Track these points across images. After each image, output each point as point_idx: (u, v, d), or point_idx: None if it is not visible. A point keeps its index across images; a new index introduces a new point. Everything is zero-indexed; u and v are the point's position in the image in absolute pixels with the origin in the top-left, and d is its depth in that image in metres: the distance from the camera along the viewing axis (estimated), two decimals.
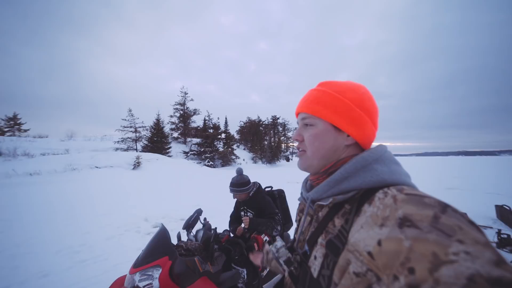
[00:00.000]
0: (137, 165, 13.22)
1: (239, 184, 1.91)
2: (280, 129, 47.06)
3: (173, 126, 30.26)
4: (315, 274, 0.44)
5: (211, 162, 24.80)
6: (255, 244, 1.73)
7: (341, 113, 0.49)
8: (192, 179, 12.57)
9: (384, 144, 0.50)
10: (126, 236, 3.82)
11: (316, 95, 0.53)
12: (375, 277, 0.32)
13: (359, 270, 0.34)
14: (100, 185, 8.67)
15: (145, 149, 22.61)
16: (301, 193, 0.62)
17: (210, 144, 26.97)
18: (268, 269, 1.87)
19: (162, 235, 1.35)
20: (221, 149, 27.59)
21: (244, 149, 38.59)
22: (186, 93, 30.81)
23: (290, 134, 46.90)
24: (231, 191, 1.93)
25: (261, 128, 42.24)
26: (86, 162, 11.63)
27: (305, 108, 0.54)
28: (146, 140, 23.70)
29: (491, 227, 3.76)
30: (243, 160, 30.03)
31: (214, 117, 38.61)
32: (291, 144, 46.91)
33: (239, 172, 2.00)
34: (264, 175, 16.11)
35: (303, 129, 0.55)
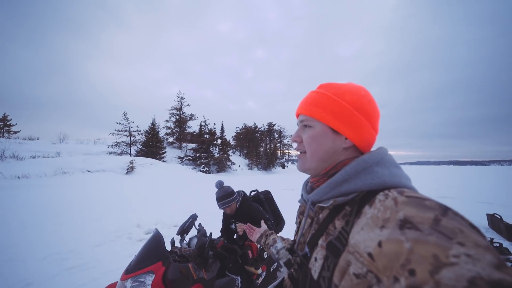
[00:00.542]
0: (130, 169, 12.97)
1: (225, 196, 1.83)
2: (276, 136, 47.30)
3: (169, 131, 30.06)
4: (315, 276, 0.44)
5: (206, 168, 24.57)
6: (250, 252, 1.70)
7: (339, 116, 0.49)
8: (186, 184, 12.39)
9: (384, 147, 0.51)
10: (116, 242, 3.70)
11: (315, 97, 0.53)
12: (375, 279, 0.32)
13: (359, 271, 0.34)
14: (92, 189, 8.44)
15: (140, 153, 22.28)
16: (302, 195, 0.61)
17: (205, 150, 26.82)
18: (263, 277, 1.83)
19: (156, 240, 1.31)
20: (216, 155, 27.43)
21: (240, 155, 38.48)
22: (182, 98, 30.85)
23: (286, 141, 47.14)
24: (221, 206, 1.83)
25: (257, 134, 42.37)
26: (78, 166, 11.34)
27: (304, 110, 0.54)
28: (141, 145, 23.40)
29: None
30: (239, 166, 29.88)
31: (211, 122, 38.70)
32: (286, 151, 47.07)
33: (220, 184, 1.90)
34: (260, 182, 16.02)
35: (302, 130, 0.55)
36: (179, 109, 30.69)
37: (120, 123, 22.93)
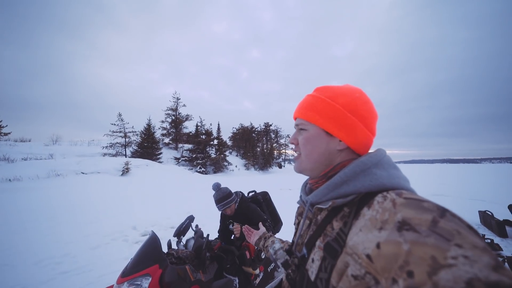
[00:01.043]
0: (126, 171, 12.82)
1: (224, 197, 1.81)
2: (273, 136, 47.39)
3: (165, 131, 29.82)
4: (312, 277, 0.44)
5: (203, 169, 24.45)
6: (247, 252, 1.70)
7: (332, 119, 0.50)
8: (183, 185, 12.31)
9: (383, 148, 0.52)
10: (112, 245, 3.65)
11: (310, 101, 0.55)
12: (374, 280, 0.32)
13: (358, 273, 0.35)
14: (86, 191, 8.32)
15: (135, 154, 22.04)
16: (300, 196, 0.62)
17: (202, 150, 26.68)
18: (261, 277, 1.84)
19: (153, 242, 1.30)
20: (213, 156, 27.32)
21: (237, 155, 38.41)
22: (178, 99, 30.64)
23: (282, 141, 47.26)
24: (220, 208, 1.82)
25: (253, 134, 42.36)
26: (72, 168, 11.15)
27: (300, 114, 0.56)
28: (136, 146, 23.15)
29: None
30: (236, 166, 29.82)
31: (207, 123, 38.45)
32: (283, 151, 47.20)
33: (217, 186, 1.88)
34: (257, 182, 16.02)
35: (298, 133, 0.57)
36: (175, 110, 30.46)
37: (114, 124, 22.64)
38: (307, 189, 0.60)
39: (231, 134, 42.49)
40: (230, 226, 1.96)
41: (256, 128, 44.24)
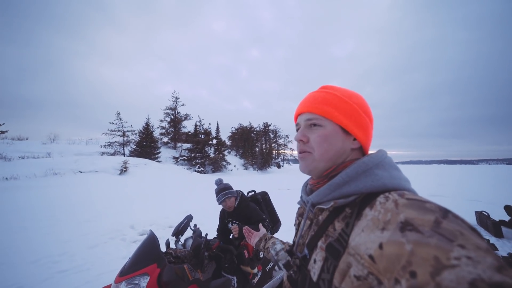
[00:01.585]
0: (124, 170, 12.77)
1: (225, 188, 1.89)
2: (272, 136, 47.39)
3: (163, 130, 29.70)
4: (314, 278, 0.44)
5: (201, 168, 24.41)
6: (245, 252, 1.71)
7: (350, 117, 0.50)
8: (181, 185, 12.29)
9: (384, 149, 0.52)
10: (110, 244, 3.64)
11: (324, 96, 0.52)
12: (376, 281, 0.32)
13: (360, 273, 0.34)
14: (84, 190, 8.27)
15: (133, 153, 21.94)
16: (301, 197, 0.61)
17: (201, 150, 26.62)
18: (259, 276, 1.85)
19: (151, 241, 1.31)
20: (212, 155, 27.28)
21: (236, 155, 38.38)
22: (177, 98, 30.53)
23: (281, 141, 47.29)
24: (221, 197, 1.85)
25: (252, 134, 42.34)
26: (69, 167, 11.09)
27: (313, 109, 0.52)
28: (135, 145, 23.04)
29: None
30: (234, 166, 29.81)
31: (206, 122, 38.37)
32: (282, 151, 47.22)
33: (220, 181, 1.98)
34: (255, 182, 16.03)
35: (308, 130, 0.53)
36: (174, 109, 30.36)
37: (113, 123, 22.52)
38: (308, 189, 0.59)
39: (230, 133, 42.46)
40: (229, 225, 1.97)
41: (255, 128, 44.23)
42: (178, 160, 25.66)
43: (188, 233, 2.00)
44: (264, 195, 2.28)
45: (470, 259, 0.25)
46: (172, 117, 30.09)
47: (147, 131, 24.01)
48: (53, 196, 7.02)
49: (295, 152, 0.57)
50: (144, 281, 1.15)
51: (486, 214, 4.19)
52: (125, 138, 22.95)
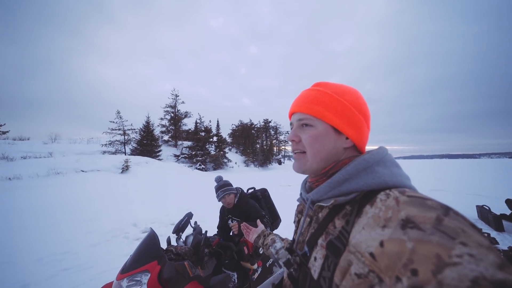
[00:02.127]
0: (125, 168, 12.83)
1: (225, 184, 1.90)
2: (272, 132, 47.34)
3: (164, 129, 29.73)
4: (315, 276, 0.44)
5: (202, 166, 24.50)
6: (245, 248, 1.72)
7: (341, 115, 0.48)
8: (183, 182, 12.35)
9: (385, 146, 0.51)
10: (113, 242, 3.68)
11: (315, 95, 0.51)
12: (377, 279, 0.32)
13: (361, 271, 0.34)
14: (86, 189, 8.34)
15: (134, 152, 22.02)
16: (300, 194, 0.61)
17: (201, 147, 26.67)
18: (259, 272, 1.87)
19: (151, 239, 1.32)
20: (213, 153, 27.33)
21: (236, 152, 38.44)
22: (177, 96, 30.46)
23: (282, 137, 47.23)
24: (220, 194, 1.87)
25: (253, 131, 42.32)
26: (71, 166, 11.15)
27: (304, 108, 0.51)
28: (135, 143, 23.10)
29: None
30: (235, 163, 29.88)
31: (206, 120, 38.32)
32: (283, 147, 47.24)
33: (219, 178, 2.00)
34: (256, 178, 16.08)
35: (299, 129, 0.53)
36: (174, 107, 30.32)
37: (113, 122, 22.54)
38: (307, 187, 0.59)
39: (231, 131, 42.45)
40: (229, 222, 1.99)
41: (256, 124, 44.18)
42: (179, 158, 25.74)
43: (189, 230, 2.02)
44: (264, 192, 2.28)
45: (472, 256, 0.25)
46: (172, 115, 30.07)
47: (147, 129, 24.03)
48: (56, 195, 7.08)
49: None
50: (145, 278, 1.17)
51: (487, 208, 4.18)
52: (126, 137, 22.99)
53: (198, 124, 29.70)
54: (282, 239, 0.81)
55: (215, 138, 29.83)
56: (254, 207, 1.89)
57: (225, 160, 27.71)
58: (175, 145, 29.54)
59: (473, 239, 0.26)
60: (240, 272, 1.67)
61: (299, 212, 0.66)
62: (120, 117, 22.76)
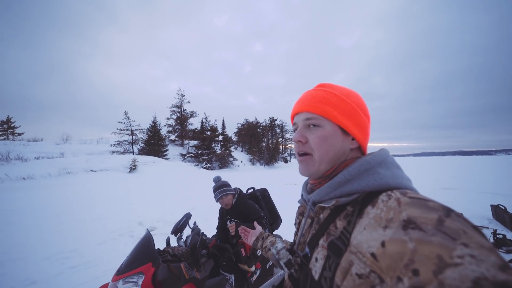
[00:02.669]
0: (133, 168, 13.11)
1: (222, 185, 1.89)
2: (278, 130, 47.16)
3: (170, 128, 30.18)
4: (316, 277, 0.44)
5: (208, 165, 24.71)
6: (242, 250, 1.69)
7: (349, 116, 0.49)
8: (189, 181, 12.48)
9: (384, 146, 0.50)
10: (119, 240, 3.75)
11: (323, 95, 0.51)
12: (379, 279, 0.31)
13: (362, 271, 0.34)
14: (95, 189, 8.56)
15: (142, 152, 22.48)
16: (302, 195, 0.61)
17: (207, 147, 26.89)
18: (258, 274, 1.83)
19: (146, 241, 1.31)
20: (218, 151, 27.51)
21: (242, 151, 38.53)
22: (183, 95, 30.80)
23: (288, 135, 46.97)
24: (218, 195, 1.85)
25: (258, 129, 42.28)
26: (81, 166, 11.50)
27: (312, 108, 0.51)
28: (143, 143, 23.58)
29: (487, 227, 3.75)
30: (241, 162, 29.97)
31: (212, 119, 38.58)
32: (289, 145, 46.97)
33: (218, 179, 1.97)
34: (262, 177, 16.07)
35: (306, 130, 0.52)
36: (180, 107, 30.69)
37: (121, 122, 23.09)
38: (308, 188, 0.59)
39: (236, 129, 42.58)
40: (228, 223, 1.96)
41: (261, 123, 44.12)
42: (186, 157, 26.07)
43: (188, 231, 2.01)
44: (264, 192, 2.24)
45: (473, 257, 0.25)
46: (178, 114, 30.46)
47: (154, 129, 24.47)
48: (66, 194, 7.31)
49: None
50: (140, 280, 1.16)
51: (503, 207, 3.98)
52: (134, 137, 23.52)
53: (204, 123, 29.94)
54: (283, 241, 0.79)
55: (221, 137, 30.00)
56: (252, 207, 1.85)
57: (231, 159, 27.84)
58: (182, 145, 29.93)
59: (475, 240, 0.26)
60: (238, 274, 1.65)
61: (300, 214, 0.66)
62: (128, 118, 23.27)
